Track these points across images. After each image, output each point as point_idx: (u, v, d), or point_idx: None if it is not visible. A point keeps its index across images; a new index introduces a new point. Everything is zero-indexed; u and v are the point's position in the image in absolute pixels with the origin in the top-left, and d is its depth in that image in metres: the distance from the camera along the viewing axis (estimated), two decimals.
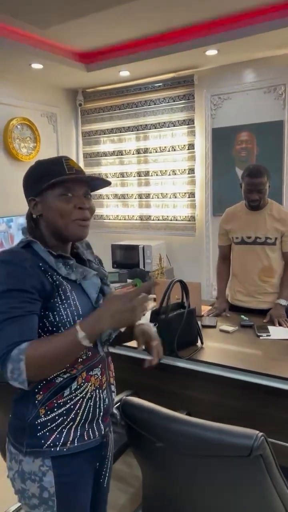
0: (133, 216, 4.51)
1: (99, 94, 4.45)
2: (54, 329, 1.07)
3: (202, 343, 2.06)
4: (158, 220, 4.35)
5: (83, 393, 1.14)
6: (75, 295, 1.11)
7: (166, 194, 4.25)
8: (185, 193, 4.13)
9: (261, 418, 1.83)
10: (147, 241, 4.10)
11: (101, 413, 1.18)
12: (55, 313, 1.07)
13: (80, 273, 1.15)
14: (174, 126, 4.06)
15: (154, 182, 4.31)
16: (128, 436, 1.26)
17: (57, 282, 1.09)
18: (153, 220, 4.38)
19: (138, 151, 4.35)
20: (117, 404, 1.48)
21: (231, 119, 3.76)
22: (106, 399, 1.20)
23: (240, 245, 2.52)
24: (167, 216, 4.28)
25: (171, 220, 4.27)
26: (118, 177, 4.51)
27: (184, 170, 4.09)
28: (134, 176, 4.43)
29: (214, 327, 2.31)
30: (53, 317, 1.07)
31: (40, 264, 1.08)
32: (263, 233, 2.45)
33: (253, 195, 2.38)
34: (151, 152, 4.26)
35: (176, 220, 4.24)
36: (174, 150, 4.11)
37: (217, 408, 1.92)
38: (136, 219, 4.50)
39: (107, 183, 1.19)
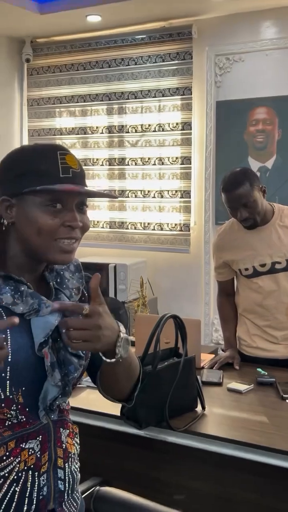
0: (99, 222, 4.50)
1: (55, 47, 4.48)
2: None
3: (203, 408, 2.05)
4: (136, 228, 4.37)
5: (5, 472, 1.15)
6: (9, 335, 1.13)
7: (149, 192, 4.28)
8: (176, 192, 4.17)
9: None
10: (120, 258, 4.09)
11: (33, 507, 1.18)
12: None
13: (30, 305, 1.16)
14: (162, 96, 4.12)
15: (132, 175, 4.34)
16: None
17: None
18: (129, 228, 4.40)
19: (109, 130, 4.37)
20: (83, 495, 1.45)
21: (244, 89, 3.84)
22: (45, 488, 1.20)
23: (252, 278, 2.56)
24: (150, 224, 4.31)
25: (154, 229, 4.29)
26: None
27: (176, 159, 4.14)
28: (103, 165, 4.44)
29: (219, 384, 2.31)
30: None
31: None
32: (281, 255, 2.49)
33: (239, 213, 2.43)
34: (128, 132, 4.30)
35: (163, 229, 4.26)
36: (162, 130, 4.16)
37: (224, 504, 1.91)
38: (104, 227, 4.50)
39: (113, 197, 1.27)
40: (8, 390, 1.12)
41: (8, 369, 1.11)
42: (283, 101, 3.72)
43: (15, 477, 1.15)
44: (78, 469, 1.34)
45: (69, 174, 1.14)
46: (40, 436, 1.19)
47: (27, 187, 1.13)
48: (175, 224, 4.21)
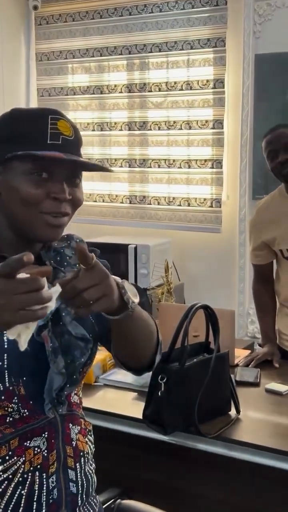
0: (118, 196, 4.52)
1: None
2: None
3: (238, 411, 2.08)
4: (160, 204, 4.38)
5: (9, 473, 1.18)
6: None
7: (175, 160, 4.28)
8: (206, 161, 4.17)
9: None
10: (142, 238, 4.10)
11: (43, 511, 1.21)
12: None
13: None
14: (191, 48, 4.10)
15: (156, 141, 4.33)
16: None
17: None
18: (152, 204, 4.41)
19: (130, 88, 4.37)
20: None
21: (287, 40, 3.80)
22: (55, 491, 1.23)
23: None
24: (175, 199, 4.32)
25: (181, 204, 4.30)
26: (96, 130, 4.53)
27: (207, 122, 4.13)
28: (122, 130, 4.44)
29: (256, 384, 2.33)
30: None
31: None
32: None
33: (281, 155, 2.44)
34: (151, 91, 4.29)
35: (190, 205, 4.27)
36: (191, 88, 4.14)
37: None
38: (124, 202, 4.52)
39: (107, 170, 1.30)
40: (7, 380, 1.15)
41: (5, 357, 1.15)
42: None
43: (20, 479, 1.19)
44: (94, 471, 1.38)
45: (58, 141, 1.18)
46: (46, 433, 1.22)
47: (11, 152, 1.15)
48: (205, 199, 4.21)
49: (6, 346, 1.15)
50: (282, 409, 2.15)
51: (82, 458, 1.30)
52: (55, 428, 1.24)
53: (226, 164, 4.13)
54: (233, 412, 2.08)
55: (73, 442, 1.28)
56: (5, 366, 1.14)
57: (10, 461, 1.18)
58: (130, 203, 4.51)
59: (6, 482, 1.17)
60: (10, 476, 1.17)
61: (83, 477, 1.30)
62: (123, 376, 2.31)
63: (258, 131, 3.92)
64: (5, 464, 1.17)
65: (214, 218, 4.19)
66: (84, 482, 1.30)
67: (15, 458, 1.18)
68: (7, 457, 1.18)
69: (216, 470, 2.00)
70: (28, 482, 1.19)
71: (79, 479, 1.28)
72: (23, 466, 1.19)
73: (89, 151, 4.56)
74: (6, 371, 1.15)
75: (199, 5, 4.02)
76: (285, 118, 3.81)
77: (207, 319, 2.06)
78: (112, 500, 1.43)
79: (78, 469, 1.28)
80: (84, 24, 4.45)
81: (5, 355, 1.14)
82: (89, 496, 1.34)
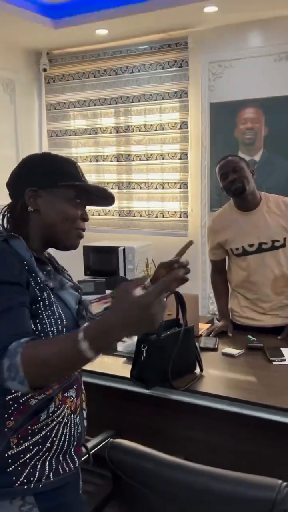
0: (110, 211, 4.51)
1: (68, 58, 4.44)
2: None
3: (201, 370, 2.08)
4: (142, 216, 4.37)
5: (60, 417, 1.21)
6: (58, 303, 1.20)
7: (152, 183, 4.27)
8: (175, 183, 4.16)
9: (279, 463, 1.84)
10: (128, 242, 4.09)
11: (75, 443, 1.26)
12: (37, 320, 1.14)
13: (58, 281, 1.25)
14: (163, 99, 4.08)
15: (137, 169, 4.32)
16: (115, 489, 1.25)
17: (41, 285, 1.17)
18: (136, 216, 4.40)
19: (117, 130, 4.35)
20: (96, 448, 1.48)
21: (234, 92, 3.80)
22: (80, 426, 1.28)
23: (242, 256, 2.56)
24: (153, 212, 4.31)
25: (157, 216, 4.29)
26: (92, 161, 4.51)
27: (175, 154, 4.12)
28: (112, 161, 4.43)
29: (215, 349, 2.33)
30: (35, 325, 1.14)
31: (25, 262, 1.16)
32: (268, 236, 2.49)
33: (230, 176, 2.44)
34: (133, 131, 4.27)
35: (164, 216, 4.26)
36: (163, 129, 4.13)
37: (221, 452, 1.93)
38: (115, 215, 4.50)
39: (109, 203, 1.36)
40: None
41: (64, 331, 1.18)
42: (269, 101, 3.68)
43: (66, 420, 1.22)
44: None
45: (85, 180, 1.27)
46: (76, 385, 1.27)
47: (58, 182, 1.22)
48: (175, 212, 4.20)
49: (65, 323, 1.19)
50: (235, 368, 2.15)
51: (85, 404, 1.34)
52: (78, 382, 1.28)
53: (190, 185, 4.12)
54: (198, 370, 2.08)
55: (83, 391, 1.34)
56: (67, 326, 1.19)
57: (60, 408, 1.20)
58: (120, 216, 4.48)
59: (58, 424, 1.20)
60: (60, 419, 1.20)
61: (85, 419, 1.34)
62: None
63: (213, 160, 3.92)
64: (58, 411, 1.20)
65: (182, 226, 4.18)
66: (85, 422, 1.33)
67: (63, 405, 1.21)
68: (59, 406, 1.20)
69: (186, 414, 2.00)
70: (69, 423, 1.23)
71: (84, 418, 1.32)
72: (66, 411, 1.22)
73: (88, 177, 4.46)
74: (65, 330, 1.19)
75: (168, 67, 4.00)
76: (233, 149, 3.81)
77: (177, 301, 2.05)
78: (107, 440, 1.41)
79: (84, 412, 1.33)
80: (82, 82, 4.42)
81: (65, 329, 1.18)
82: None
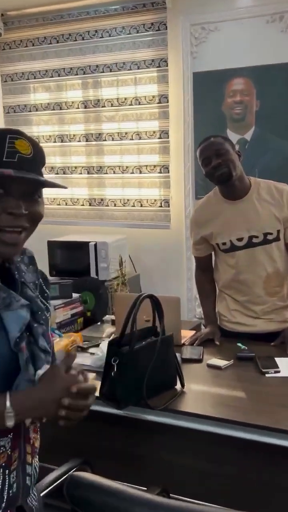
0: (79, 199, 4.50)
1: (27, 20, 4.40)
2: None
3: (182, 385, 2.10)
4: (116, 205, 4.37)
5: None
6: None
7: (127, 167, 4.27)
8: (154, 166, 4.17)
9: (269, 491, 1.87)
10: (101, 236, 4.09)
11: (2, 505, 1.18)
12: None
13: (2, 298, 1.16)
14: (138, 68, 4.08)
15: (110, 150, 4.32)
16: None
17: None
18: (109, 205, 4.39)
19: (85, 105, 4.34)
20: (54, 484, 1.49)
21: (220, 59, 3.81)
22: (14, 485, 1.20)
23: (229, 252, 2.58)
24: (129, 200, 4.31)
25: (134, 205, 4.29)
26: (56, 141, 4.49)
27: (154, 132, 4.12)
28: (80, 141, 4.41)
29: (200, 361, 2.35)
30: None
31: None
32: (259, 229, 2.52)
33: (213, 161, 2.45)
34: (104, 106, 4.26)
35: (142, 205, 4.26)
36: (139, 103, 4.13)
37: (206, 479, 1.95)
38: (84, 204, 4.49)
39: (59, 186, 1.23)
40: None
41: None
42: (261, 70, 3.70)
43: None
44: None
45: (14, 159, 1.11)
46: (11, 433, 1.18)
47: None
48: (155, 200, 4.21)
49: None
50: (221, 381, 2.17)
51: (35, 453, 1.28)
52: (19, 429, 1.20)
53: (172, 169, 4.13)
54: (178, 386, 2.10)
55: (31, 440, 1.26)
56: None
57: None
58: (90, 205, 4.48)
59: None
60: None
61: (34, 470, 1.28)
62: (83, 359, 2.31)
63: (198, 139, 3.91)
64: None
65: (163, 216, 4.20)
66: (35, 474, 1.28)
67: None
68: None
69: (165, 437, 2.02)
70: None
71: (32, 472, 1.26)
72: None
73: (52, 160, 4.52)
74: None
75: (143, 30, 4.00)
76: (220, 126, 3.83)
77: (153, 306, 2.07)
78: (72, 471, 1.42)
79: (33, 464, 1.26)
80: (43, 49, 4.40)
81: None
82: (35, 486, 1.33)
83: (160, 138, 4.11)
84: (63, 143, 4.48)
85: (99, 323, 3.01)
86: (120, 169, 4.30)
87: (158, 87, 4.05)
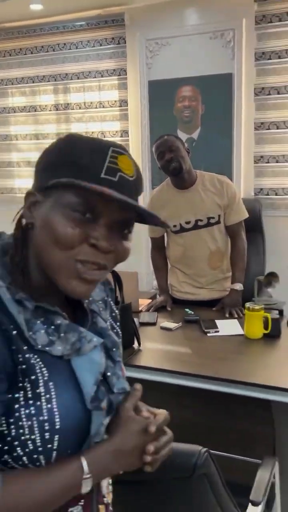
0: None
1: (4, 33, 4.28)
2: None
3: (139, 344, 2.12)
4: None
5: None
6: (53, 392, 0.76)
7: None
8: None
9: (210, 430, 1.93)
10: None
11: None
12: (11, 419, 0.74)
13: (71, 343, 0.80)
14: (102, 76, 4.04)
15: None
16: None
17: (24, 366, 0.75)
18: None
19: (56, 107, 4.28)
20: None
21: (171, 70, 3.80)
22: None
23: (179, 233, 2.61)
24: None
25: None
26: (32, 139, 4.42)
27: (116, 132, 4.10)
28: (53, 139, 4.33)
29: (154, 324, 2.39)
30: (7, 426, 0.74)
31: (3, 327, 0.74)
32: (203, 213, 2.55)
33: (167, 155, 2.47)
34: (73, 109, 4.21)
35: None
36: (103, 106, 4.09)
37: None
38: None
39: (164, 226, 0.89)
40: (53, 460, 0.76)
41: (56, 439, 0.75)
42: (205, 79, 3.71)
43: None
44: None
45: (114, 177, 0.76)
46: (83, 500, 0.84)
47: (52, 179, 0.77)
48: None
49: (58, 427, 0.76)
50: (172, 340, 2.21)
51: (109, 510, 0.94)
52: (92, 492, 0.83)
53: None
54: (136, 345, 2.13)
55: (104, 499, 0.91)
56: (54, 448, 0.76)
57: None
58: None
59: None
60: None
61: None
62: None
63: (153, 138, 3.91)
64: None
65: None
66: None
67: None
68: None
69: None
70: None
71: None
72: None
73: (29, 155, 4.44)
74: (54, 452, 0.76)
75: (105, 44, 3.95)
76: (172, 127, 3.83)
77: (114, 280, 2.08)
78: None
79: None
80: (19, 59, 4.29)
81: (56, 437, 0.75)
82: None
83: (121, 136, 4.09)
84: (38, 140, 4.40)
85: None
86: None
87: (119, 93, 4.02)
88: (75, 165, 0.75)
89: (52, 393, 0.75)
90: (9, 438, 0.73)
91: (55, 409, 0.75)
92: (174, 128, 3.85)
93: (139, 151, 4.06)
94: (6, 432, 0.73)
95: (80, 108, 4.18)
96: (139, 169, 0.82)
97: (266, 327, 2.18)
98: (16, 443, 0.73)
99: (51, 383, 0.76)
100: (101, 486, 0.90)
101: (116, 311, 1.01)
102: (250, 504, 1.28)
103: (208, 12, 3.66)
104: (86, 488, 0.77)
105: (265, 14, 3.43)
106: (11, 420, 0.73)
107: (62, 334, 0.78)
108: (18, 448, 0.73)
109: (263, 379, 1.78)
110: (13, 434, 0.73)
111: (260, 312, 2.18)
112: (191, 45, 3.72)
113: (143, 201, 4.01)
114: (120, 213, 0.77)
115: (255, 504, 1.29)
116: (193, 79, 3.74)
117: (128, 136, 4.06)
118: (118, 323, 0.98)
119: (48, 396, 0.75)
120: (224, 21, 3.60)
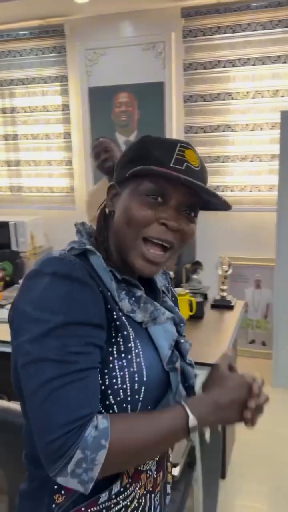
0: (1, 187, 4.46)
1: None
2: None
3: None
4: (32, 192, 4.37)
5: (127, 500, 0.84)
6: (140, 348, 0.82)
7: (40, 161, 4.28)
8: (61, 161, 4.21)
9: None
10: (20, 216, 4.10)
11: None
12: (105, 370, 0.78)
13: (150, 312, 0.86)
14: (45, 83, 4.07)
15: (25, 148, 4.30)
16: None
17: (118, 322, 0.81)
18: (26, 192, 4.39)
19: (3, 111, 4.28)
20: None
21: (109, 77, 3.89)
22: (158, 508, 0.92)
23: None
24: (42, 188, 4.33)
25: (46, 192, 4.32)
26: None
27: (60, 134, 4.15)
28: (0, 140, 4.36)
29: None
30: (101, 377, 0.78)
31: (100, 288, 0.81)
32: None
33: (102, 155, 2.60)
34: (19, 112, 4.23)
35: (53, 192, 4.30)
36: (47, 110, 4.13)
37: None
38: (6, 191, 4.46)
39: (227, 207, 0.86)
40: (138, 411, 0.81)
41: (142, 390, 0.80)
42: (140, 87, 3.82)
43: (135, 505, 0.85)
44: None
45: (181, 167, 0.82)
46: (158, 456, 0.89)
47: (130, 169, 0.83)
48: (63, 187, 4.26)
49: (145, 379, 0.80)
50: None
51: (171, 475, 0.99)
52: (165, 453, 0.90)
53: (74, 163, 4.19)
54: None
55: (170, 457, 0.96)
56: (140, 398, 0.80)
57: (130, 489, 0.84)
58: (11, 192, 4.45)
59: (123, 509, 0.83)
60: (128, 503, 0.83)
61: (168, 494, 0.99)
62: (2, 314, 2.35)
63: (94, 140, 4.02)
64: (126, 493, 0.83)
65: (70, 200, 4.26)
66: (167, 498, 0.99)
67: (134, 484, 0.84)
68: (127, 485, 0.83)
69: None
70: (141, 507, 0.86)
71: (167, 494, 0.98)
72: (139, 491, 0.85)
73: None
74: (139, 403, 0.80)
75: (47, 52, 3.98)
76: (110, 130, 3.92)
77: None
78: None
79: (168, 487, 0.98)
80: None
81: (143, 388, 0.80)
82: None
83: (64, 138, 4.14)
84: None
85: (15, 285, 3.05)
86: (34, 163, 4.30)
87: (62, 98, 4.07)
88: (148, 158, 0.82)
89: (140, 349, 0.81)
90: (103, 387, 0.77)
91: (142, 364, 0.80)
92: (112, 131, 3.94)
93: (81, 151, 4.14)
94: (100, 381, 0.77)
95: (25, 111, 4.20)
96: (203, 162, 0.88)
97: (191, 309, 2.33)
98: (109, 391, 0.78)
99: (138, 341, 0.81)
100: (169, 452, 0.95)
101: (176, 296, 1.06)
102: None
103: (141, 26, 3.77)
104: (192, 430, 0.77)
105: (191, 29, 3.58)
106: (105, 371, 0.78)
107: (142, 305, 0.85)
108: (111, 397, 0.78)
109: (189, 355, 1.88)
110: (107, 383, 0.78)
111: (185, 296, 2.33)
112: (126, 55, 3.82)
113: (83, 198, 4.09)
114: (187, 197, 0.82)
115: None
116: (129, 86, 3.85)
117: (70, 138, 4.13)
118: (177, 306, 1.03)
119: (136, 351, 0.80)
120: (156, 34, 3.72)
